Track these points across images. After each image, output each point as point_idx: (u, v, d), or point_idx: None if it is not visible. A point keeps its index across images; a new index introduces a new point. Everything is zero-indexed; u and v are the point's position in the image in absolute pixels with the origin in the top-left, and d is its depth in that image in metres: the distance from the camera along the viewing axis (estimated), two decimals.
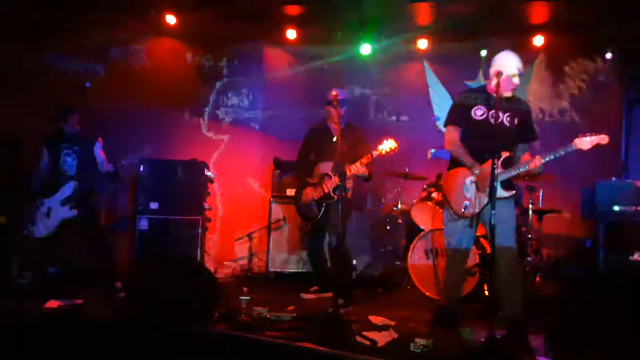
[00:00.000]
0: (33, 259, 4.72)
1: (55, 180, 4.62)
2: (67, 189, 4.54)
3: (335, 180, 4.40)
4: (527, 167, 3.41)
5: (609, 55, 6.10)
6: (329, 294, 4.23)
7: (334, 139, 4.61)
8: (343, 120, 4.44)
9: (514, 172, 3.44)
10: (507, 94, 3.53)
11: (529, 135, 3.66)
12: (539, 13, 5.78)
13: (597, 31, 5.83)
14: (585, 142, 3.30)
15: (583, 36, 5.97)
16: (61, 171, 4.63)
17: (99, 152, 4.69)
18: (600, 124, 5.95)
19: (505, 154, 3.46)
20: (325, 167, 4.56)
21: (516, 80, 3.50)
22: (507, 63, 3.49)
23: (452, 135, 3.67)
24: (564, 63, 6.26)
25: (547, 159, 3.36)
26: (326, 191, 4.44)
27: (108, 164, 4.60)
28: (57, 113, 4.70)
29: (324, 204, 4.48)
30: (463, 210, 3.48)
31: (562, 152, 3.33)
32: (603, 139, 3.30)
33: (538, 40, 6.07)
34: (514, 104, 3.60)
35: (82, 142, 4.69)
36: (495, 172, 3.13)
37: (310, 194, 4.57)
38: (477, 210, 3.45)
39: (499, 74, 3.41)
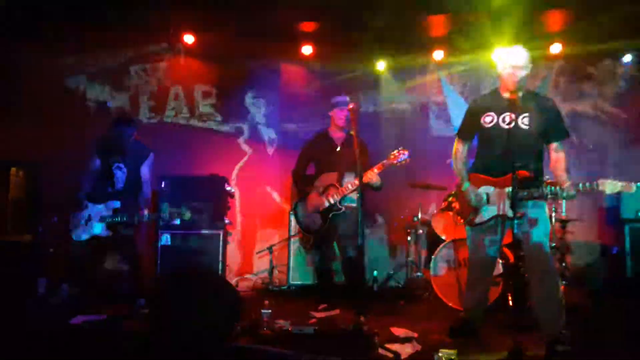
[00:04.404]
0: (62, 275, 4.64)
1: (104, 188, 4.44)
2: (110, 206, 4.37)
3: (341, 190, 4.39)
4: (554, 191, 3.12)
5: (628, 58, 6.04)
6: (337, 311, 4.21)
7: (338, 149, 4.62)
8: (347, 127, 4.49)
9: (525, 194, 3.13)
10: (518, 92, 3.23)
11: (558, 134, 3.32)
12: (555, 21, 5.74)
13: (616, 35, 5.77)
14: (609, 186, 2.99)
15: (601, 41, 5.90)
16: (111, 182, 4.44)
17: (145, 169, 4.47)
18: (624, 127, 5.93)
19: (523, 174, 3.11)
20: (330, 177, 4.53)
21: (520, 73, 3.21)
22: (503, 58, 3.30)
23: (456, 146, 3.58)
24: (582, 70, 6.21)
25: (576, 187, 3.07)
26: (332, 202, 4.42)
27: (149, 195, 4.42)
28: (118, 123, 4.42)
29: (330, 215, 4.45)
30: (470, 218, 3.42)
31: (586, 186, 3.05)
32: (630, 187, 2.98)
33: (555, 48, 6.02)
34: (533, 103, 3.30)
35: (133, 157, 4.45)
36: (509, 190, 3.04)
37: (312, 205, 4.53)
38: (480, 221, 3.36)
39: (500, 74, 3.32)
